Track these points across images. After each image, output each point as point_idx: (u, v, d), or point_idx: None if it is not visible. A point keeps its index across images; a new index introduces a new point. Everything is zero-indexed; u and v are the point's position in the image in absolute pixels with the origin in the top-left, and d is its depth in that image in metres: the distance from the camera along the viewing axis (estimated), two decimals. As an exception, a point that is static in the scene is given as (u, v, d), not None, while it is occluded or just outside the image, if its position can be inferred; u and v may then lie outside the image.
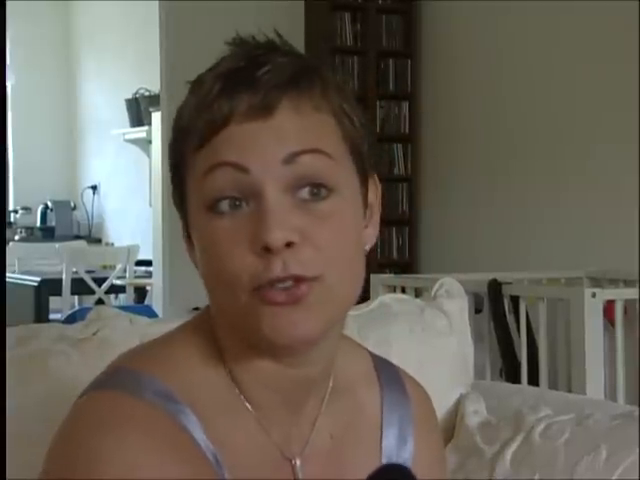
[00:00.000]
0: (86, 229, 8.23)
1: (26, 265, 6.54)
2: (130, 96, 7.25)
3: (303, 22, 5.23)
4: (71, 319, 3.63)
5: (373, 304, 1.51)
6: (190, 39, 4.93)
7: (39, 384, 1.19)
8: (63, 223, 8.08)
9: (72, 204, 8.21)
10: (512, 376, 3.17)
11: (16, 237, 7.79)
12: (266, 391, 0.90)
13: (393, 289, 3.50)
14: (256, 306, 0.83)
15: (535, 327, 3.14)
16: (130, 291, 6.18)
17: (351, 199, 0.88)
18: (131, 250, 6.30)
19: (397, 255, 5.39)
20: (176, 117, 0.90)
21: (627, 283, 3.64)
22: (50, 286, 5.91)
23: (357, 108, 0.91)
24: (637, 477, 1.21)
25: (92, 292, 6.04)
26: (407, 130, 5.40)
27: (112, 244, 7.73)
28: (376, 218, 0.94)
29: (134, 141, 7.29)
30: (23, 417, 1.16)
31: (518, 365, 3.18)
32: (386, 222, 5.09)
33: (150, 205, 6.29)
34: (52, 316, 5.67)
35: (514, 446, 1.34)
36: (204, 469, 0.84)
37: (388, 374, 1.03)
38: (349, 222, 0.87)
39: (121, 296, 6.66)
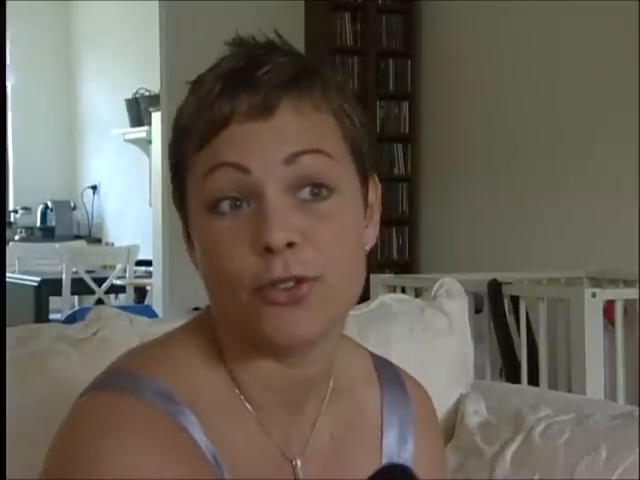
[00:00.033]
0: (86, 229, 8.23)
1: (26, 265, 6.54)
2: (130, 96, 7.25)
3: (303, 22, 5.23)
4: (71, 319, 3.63)
5: (373, 304, 1.51)
6: (190, 39, 4.93)
7: (39, 384, 1.19)
8: (63, 223, 8.08)
9: (72, 204, 8.22)
10: (512, 376, 3.17)
11: (16, 237, 7.79)
12: (266, 391, 0.90)
13: (393, 289, 3.50)
14: (257, 306, 0.83)
15: (535, 327, 3.14)
16: (130, 291, 6.18)
17: (352, 199, 0.88)
18: (131, 250, 6.30)
19: (397, 255, 5.39)
20: (176, 117, 0.90)
21: (627, 283, 3.64)
22: (50, 286, 5.91)
23: (357, 108, 0.91)
24: (637, 477, 1.21)
25: (92, 292, 6.04)
26: (407, 130, 5.40)
27: (112, 244, 7.74)
28: (376, 218, 0.94)
29: (134, 141, 7.29)
30: (23, 417, 1.16)
31: (518, 365, 3.18)
32: (386, 222, 5.09)
33: (150, 205, 6.29)
34: (52, 316, 5.67)
35: (514, 446, 1.34)
36: (204, 469, 0.84)
37: (388, 374, 1.03)
38: (350, 222, 0.87)
39: (121, 296, 6.66)
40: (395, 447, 0.99)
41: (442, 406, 1.39)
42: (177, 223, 0.93)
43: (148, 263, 6.07)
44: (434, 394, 1.09)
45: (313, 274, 0.83)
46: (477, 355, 1.63)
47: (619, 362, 2.95)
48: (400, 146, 5.40)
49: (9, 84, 7.79)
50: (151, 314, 3.75)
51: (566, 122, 4.46)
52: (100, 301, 5.94)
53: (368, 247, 0.92)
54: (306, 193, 0.84)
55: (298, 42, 4.94)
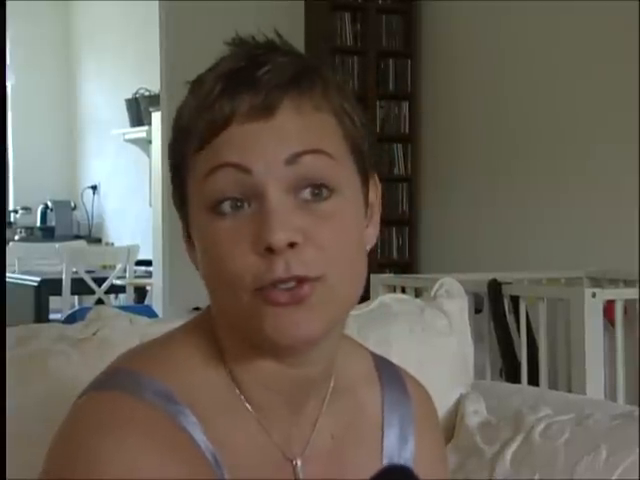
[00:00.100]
0: (86, 229, 8.23)
1: (26, 265, 6.54)
2: (130, 96, 7.25)
3: (303, 22, 5.23)
4: (71, 319, 3.63)
5: (373, 304, 1.51)
6: (190, 39, 4.93)
7: (39, 384, 1.19)
8: (63, 223, 8.09)
9: (72, 204, 8.22)
10: (512, 376, 3.17)
11: (16, 237, 7.79)
12: (267, 391, 0.90)
13: (393, 289, 3.50)
14: (258, 306, 0.83)
15: (535, 327, 3.14)
16: (130, 291, 6.18)
17: (353, 199, 0.88)
18: (131, 250, 6.30)
19: (397, 255, 5.39)
20: (176, 117, 0.90)
21: (627, 283, 3.64)
22: (50, 286, 5.91)
23: (357, 107, 0.91)
24: (637, 477, 1.21)
25: (92, 292, 6.04)
26: (407, 130, 5.40)
27: (112, 244, 7.73)
28: (376, 218, 0.94)
29: (134, 141, 7.29)
30: (23, 417, 1.16)
31: (518, 365, 3.18)
32: (386, 222, 5.09)
33: (150, 205, 6.29)
34: (52, 316, 5.68)
35: (514, 446, 1.34)
36: (204, 469, 0.84)
37: (389, 373, 1.03)
38: (351, 222, 0.87)
39: (121, 296, 6.66)
40: (396, 447, 0.99)
41: (442, 406, 1.39)
42: (177, 223, 0.93)
43: (148, 263, 6.07)
44: (434, 394, 1.09)
45: (314, 274, 0.83)
46: (477, 355, 1.63)
47: (619, 362, 2.95)
48: (400, 146, 5.39)
49: (9, 84, 7.79)
50: (151, 314, 3.75)
51: (566, 122, 4.46)
52: (100, 301, 5.94)
53: (368, 247, 0.92)
54: (307, 193, 0.84)
55: (298, 42, 4.94)
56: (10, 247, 6.72)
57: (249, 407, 0.90)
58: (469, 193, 5.04)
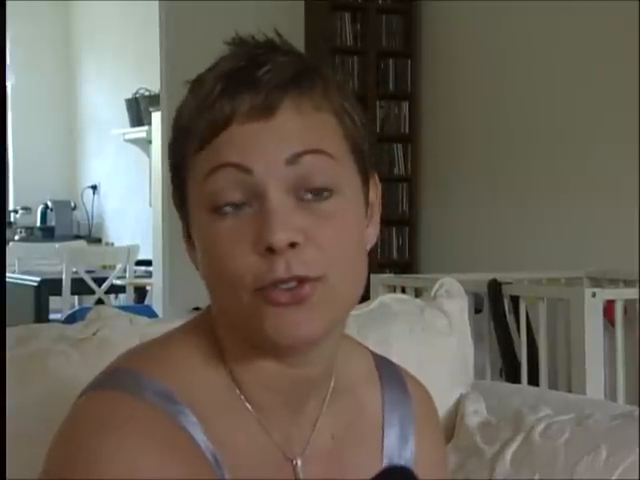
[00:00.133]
0: (86, 229, 8.23)
1: (26, 265, 6.54)
2: (130, 96, 7.25)
3: (303, 22, 5.23)
4: (71, 319, 3.63)
5: (373, 304, 1.51)
6: (190, 39, 4.93)
7: (39, 384, 1.19)
8: (63, 223, 8.08)
9: (72, 204, 8.22)
10: (512, 376, 3.17)
11: (16, 237, 7.79)
12: (267, 391, 0.90)
13: (393, 289, 3.50)
14: (259, 306, 0.83)
15: (535, 327, 3.14)
16: (130, 291, 6.18)
17: (353, 199, 0.88)
18: (131, 250, 6.29)
19: (397, 255, 5.39)
20: (176, 117, 0.90)
21: (627, 283, 3.64)
22: (50, 286, 5.91)
23: (357, 107, 0.91)
24: (637, 477, 1.21)
25: (92, 292, 6.04)
26: (407, 130, 5.40)
27: (112, 244, 7.73)
28: (376, 218, 0.94)
29: (134, 141, 7.29)
30: (23, 417, 1.16)
31: (518, 365, 3.18)
32: (386, 222, 5.09)
33: (150, 205, 6.29)
34: (52, 316, 5.67)
35: (514, 446, 1.34)
36: (204, 469, 0.84)
37: (389, 373, 1.03)
38: (352, 222, 0.87)
39: (121, 296, 6.66)
40: (396, 447, 0.99)
41: (442, 406, 1.39)
42: (177, 223, 0.93)
43: (148, 263, 6.07)
44: (434, 394, 1.09)
45: (315, 274, 0.83)
46: (477, 355, 1.63)
47: (619, 362, 2.95)
48: (400, 146, 5.39)
49: (9, 84, 7.79)
50: (151, 314, 3.75)
51: (566, 122, 4.46)
52: (100, 301, 5.94)
53: (368, 247, 0.92)
54: (308, 193, 0.84)
55: (298, 42, 4.93)
56: (10, 247, 6.72)
57: (249, 407, 0.90)
58: (469, 193, 5.04)
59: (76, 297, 6.50)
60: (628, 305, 3.06)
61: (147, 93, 7.02)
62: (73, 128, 8.37)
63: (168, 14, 5.17)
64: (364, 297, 1.01)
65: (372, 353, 1.05)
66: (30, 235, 7.98)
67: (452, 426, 1.44)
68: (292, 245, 0.82)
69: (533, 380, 3.08)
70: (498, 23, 4.85)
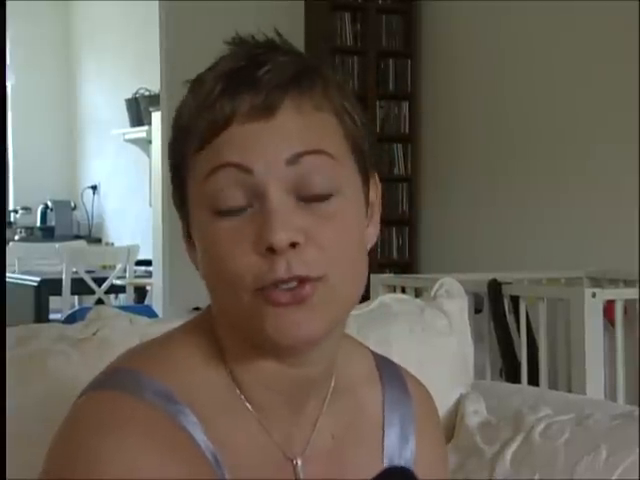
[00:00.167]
0: (86, 229, 8.23)
1: (26, 265, 6.54)
2: (130, 96, 7.25)
3: (303, 22, 5.23)
4: (71, 319, 3.63)
5: (373, 304, 1.51)
6: (190, 39, 4.93)
7: (39, 384, 1.19)
8: (63, 223, 8.08)
9: (72, 204, 8.22)
10: (512, 376, 3.17)
11: (16, 237, 7.79)
12: (267, 391, 0.90)
13: (393, 289, 3.50)
14: (259, 306, 0.83)
15: (535, 327, 3.14)
16: (130, 291, 6.18)
17: (354, 198, 0.88)
18: (131, 250, 6.29)
19: (397, 255, 5.39)
20: (176, 117, 0.90)
21: (627, 283, 3.64)
22: (50, 286, 5.91)
23: (357, 107, 0.91)
24: (637, 477, 1.21)
25: (92, 292, 6.04)
26: (407, 130, 5.40)
27: (112, 244, 7.73)
28: (376, 218, 0.94)
29: (134, 141, 7.29)
30: (23, 417, 1.16)
31: (518, 365, 3.18)
32: (386, 222, 5.09)
33: (150, 205, 6.29)
34: (52, 316, 5.67)
35: (514, 446, 1.34)
36: (204, 469, 0.84)
37: (390, 373, 1.03)
38: (352, 221, 0.87)
39: (121, 296, 6.66)
40: (396, 446, 0.99)
41: (442, 406, 1.39)
42: (177, 223, 0.93)
43: (148, 263, 6.07)
44: (434, 394, 1.09)
45: (316, 274, 0.83)
46: (477, 355, 1.63)
47: (619, 362, 2.95)
48: (400, 146, 5.39)
49: (9, 84, 7.79)
50: (151, 314, 3.75)
51: (566, 122, 4.46)
52: (100, 301, 5.94)
53: (368, 247, 0.92)
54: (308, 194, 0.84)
55: (298, 42, 4.93)
56: (10, 247, 6.72)
57: (249, 407, 0.90)
58: (469, 193, 5.04)
59: (76, 297, 6.50)
60: (628, 305, 3.06)
61: (147, 93, 7.02)
62: (73, 128, 8.37)
63: (168, 14, 5.17)
64: (364, 297, 1.01)
65: (372, 353, 1.05)
66: (30, 235, 7.98)
67: (452, 426, 1.44)
68: (293, 245, 0.82)
69: (533, 380, 3.08)
70: (498, 23, 4.85)
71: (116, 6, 7.54)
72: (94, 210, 8.20)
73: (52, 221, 8.10)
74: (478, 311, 3.38)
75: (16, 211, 8.19)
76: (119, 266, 6.18)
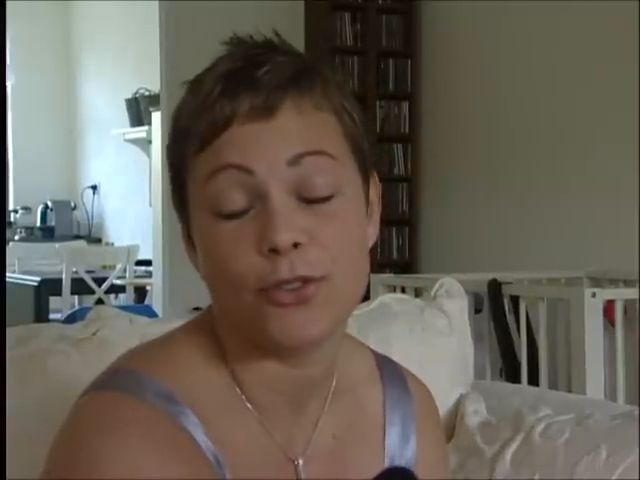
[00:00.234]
0: (86, 229, 8.23)
1: (26, 265, 6.54)
2: (130, 96, 7.25)
3: (303, 22, 5.23)
4: (71, 319, 3.63)
5: (373, 304, 1.51)
6: (190, 39, 4.93)
7: (39, 384, 1.19)
8: (63, 223, 8.08)
9: (72, 204, 8.22)
10: (512, 376, 3.17)
11: (16, 237, 7.79)
12: (269, 392, 0.90)
13: (393, 289, 3.50)
14: (262, 307, 0.83)
15: (535, 327, 3.14)
16: (130, 291, 6.18)
17: (354, 198, 0.88)
18: (131, 250, 6.30)
19: (397, 255, 5.39)
20: (174, 118, 0.90)
21: (627, 283, 3.64)
22: (50, 286, 5.91)
23: (356, 106, 0.91)
24: (637, 477, 1.21)
25: (92, 292, 6.04)
26: (407, 130, 5.40)
27: (112, 244, 7.73)
28: (376, 217, 0.94)
29: (134, 141, 7.29)
30: (23, 417, 1.16)
31: (518, 365, 3.18)
32: (386, 222, 5.09)
33: (150, 205, 6.29)
34: (52, 316, 5.67)
35: (514, 446, 1.34)
36: (205, 470, 0.84)
37: (390, 372, 1.03)
38: (353, 221, 0.87)
39: (121, 296, 6.66)
40: (397, 446, 0.99)
41: (442, 406, 1.39)
42: (177, 223, 0.92)
43: (148, 263, 6.07)
44: (434, 394, 1.09)
45: (319, 274, 0.83)
46: (477, 355, 1.63)
47: (619, 362, 2.95)
48: (400, 146, 5.39)
49: (9, 84, 7.79)
50: (151, 314, 3.75)
51: (566, 122, 4.46)
52: (100, 301, 5.94)
53: (369, 245, 0.92)
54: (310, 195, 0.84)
55: (298, 42, 4.93)
56: (10, 247, 6.72)
57: (250, 407, 0.90)
58: (469, 193, 5.04)
59: (76, 297, 6.50)
60: (628, 305, 3.06)
61: (147, 93, 7.02)
62: (73, 128, 8.37)
63: (168, 14, 5.17)
64: (364, 297, 1.01)
65: (373, 352, 1.05)
66: (30, 235, 7.98)
67: (452, 426, 1.44)
68: (295, 245, 0.82)
69: (533, 380, 3.08)
70: (498, 23, 4.84)
71: (116, 6, 7.54)
72: (94, 210, 8.20)
73: (52, 221, 8.10)
74: (478, 311, 3.38)
75: (16, 211, 8.19)
76: (119, 266, 6.18)
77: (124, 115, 7.34)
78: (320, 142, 0.85)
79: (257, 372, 0.89)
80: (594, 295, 2.86)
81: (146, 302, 5.82)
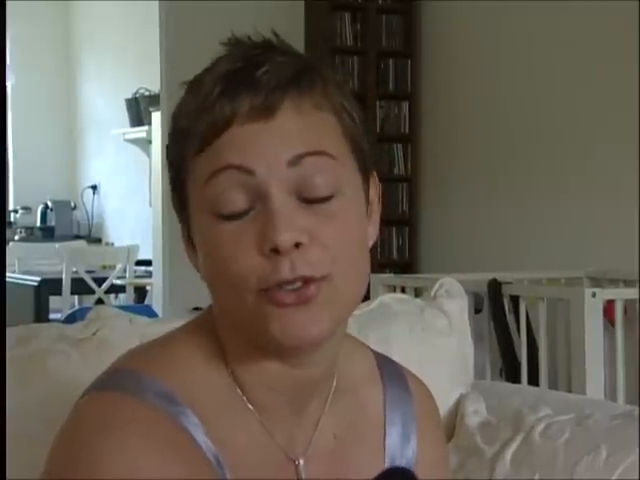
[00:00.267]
0: (86, 229, 8.23)
1: (26, 265, 6.54)
2: (130, 96, 7.25)
3: (303, 22, 5.23)
4: (71, 319, 3.63)
5: (373, 304, 1.51)
6: (190, 39, 4.92)
7: (39, 384, 1.19)
8: (63, 223, 8.08)
9: (72, 204, 8.21)
10: (512, 376, 3.17)
11: (16, 237, 7.79)
12: (270, 392, 0.90)
13: (393, 289, 3.50)
14: (263, 307, 0.83)
15: (535, 327, 3.14)
16: (130, 291, 6.18)
17: (354, 197, 0.88)
18: (131, 250, 6.30)
19: (397, 255, 5.39)
20: (174, 119, 0.89)
21: (627, 283, 3.64)
22: (50, 286, 5.91)
23: (356, 105, 0.91)
24: (637, 477, 1.21)
25: (92, 292, 6.04)
26: (407, 130, 5.40)
27: (112, 244, 7.73)
28: (376, 217, 0.94)
29: (134, 141, 7.29)
30: (23, 417, 1.16)
31: (518, 365, 3.18)
32: (386, 222, 5.09)
33: (150, 205, 6.29)
34: (52, 316, 5.67)
35: (514, 446, 1.34)
36: (205, 470, 0.84)
37: (390, 372, 1.03)
38: (354, 220, 0.87)
39: (121, 296, 6.66)
40: (398, 445, 0.99)
41: (442, 406, 1.39)
42: (177, 223, 0.92)
43: (148, 263, 6.07)
44: (434, 394, 1.09)
45: (320, 274, 0.83)
46: (477, 355, 1.63)
47: (619, 362, 2.95)
48: (400, 146, 5.39)
49: (9, 84, 7.79)
50: (151, 314, 3.75)
51: (566, 122, 4.46)
52: (100, 301, 5.94)
53: (369, 246, 0.92)
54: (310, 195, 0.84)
55: (298, 42, 4.93)
56: (10, 247, 6.72)
57: (251, 407, 0.90)
58: (469, 193, 5.04)
59: (76, 297, 6.50)
60: (628, 305, 3.06)
61: (147, 93, 7.02)
62: (73, 128, 8.37)
63: (168, 14, 5.17)
64: (364, 297, 1.01)
65: (373, 352, 1.05)
66: (30, 235, 7.98)
67: (452, 426, 1.44)
68: (297, 245, 0.82)
69: (533, 380, 3.08)
70: (498, 23, 4.84)
71: (116, 6, 7.53)
72: (94, 210, 8.20)
73: (52, 221, 8.10)
74: (478, 311, 3.38)
75: (16, 211, 8.19)
76: (119, 266, 6.18)
77: (124, 115, 7.34)
78: (320, 142, 0.85)
79: (258, 372, 0.89)
80: (594, 295, 2.86)
81: (146, 302, 5.82)
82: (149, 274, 6.00)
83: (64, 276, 5.97)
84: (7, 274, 5.46)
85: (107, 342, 1.24)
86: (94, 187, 8.17)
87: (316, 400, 0.93)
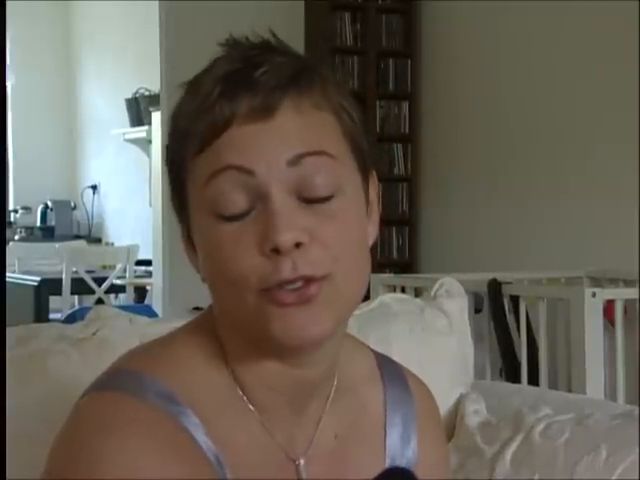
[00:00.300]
0: (86, 229, 8.23)
1: (26, 265, 6.54)
2: (130, 96, 7.25)
3: (303, 22, 5.23)
4: (71, 319, 3.63)
5: (373, 304, 1.51)
6: (190, 39, 4.92)
7: (39, 384, 1.19)
8: (63, 223, 8.08)
9: (72, 204, 8.22)
10: (512, 376, 3.17)
11: (16, 237, 7.79)
12: (270, 392, 0.90)
13: (393, 289, 3.50)
14: (264, 307, 0.83)
15: (535, 327, 3.14)
16: (130, 291, 6.18)
17: (354, 197, 0.88)
18: (131, 250, 6.30)
19: (397, 255, 5.39)
20: (173, 120, 0.89)
21: (627, 283, 3.64)
22: (50, 286, 5.91)
23: (355, 105, 0.91)
24: (637, 477, 1.21)
25: (92, 292, 6.04)
26: (407, 130, 5.40)
27: (112, 244, 7.73)
28: (375, 217, 0.94)
29: (134, 141, 7.29)
30: (23, 417, 1.16)
31: (518, 365, 3.18)
32: (386, 222, 5.10)
33: (150, 205, 6.29)
34: (52, 316, 5.67)
35: (514, 446, 1.34)
36: (205, 470, 0.84)
37: (391, 372, 1.03)
38: (354, 220, 0.87)
39: (121, 296, 6.66)
40: (398, 445, 0.99)
41: (442, 406, 1.39)
42: (177, 223, 0.92)
43: (148, 263, 6.07)
44: (434, 394, 1.09)
45: (321, 273, 0.83)
46: (477, 355, 1.63)
47: (619, 362, 2.95)
48: (400, 146, 5.39)
49: (9, 84, 7.79)
50: (151, 314, 3.75)
51: (566, 122, 4.46)
52: (100, 301, 5.94)
53: (369, 245, 0.92)
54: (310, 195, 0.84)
55: (298, 42, 4.94)
56: (10, 247, 6.72)
57: (251, 407, 0.90)
58: (469, 193, 5.04)
59: (76, 297, 6.50)
60: (628, 305, 3.06)
61: (147, 93, 7.02)
62: (73, 128, 8.37)
63: (168, 14, 5.17)
64: (364, 297, 1.01)
65: (374, 352, 1.05)
66: (30, 235, 7.98)
67: (452, 426, 1.44)
68: (297, 245, 0.82)
69: (533, 380, 3.08)
70: (498, 23, 4.84)
71: (116, 6, 7.54)
72: (94, 210, 8.20)
73: (52, 221, 8.10)
74: (478, 311, 3.37)
75: (16, 211, 8.19)
76: (119, 266, 6.18)
77: (124, 115, 7.34)
78: (320, 142, 0.85)
79: (258, 372, 0.89)
80: (594, 295, 2.86)
81: (146, 302, 5.82)
82: (149, 274, 6.00)
83: (64, 276, 5.97)
84: (7, 274, 5.46)
85: (107, 342, 1.24)
86: (94, 187, 8.17)
87: (316, 400, 0.93)
